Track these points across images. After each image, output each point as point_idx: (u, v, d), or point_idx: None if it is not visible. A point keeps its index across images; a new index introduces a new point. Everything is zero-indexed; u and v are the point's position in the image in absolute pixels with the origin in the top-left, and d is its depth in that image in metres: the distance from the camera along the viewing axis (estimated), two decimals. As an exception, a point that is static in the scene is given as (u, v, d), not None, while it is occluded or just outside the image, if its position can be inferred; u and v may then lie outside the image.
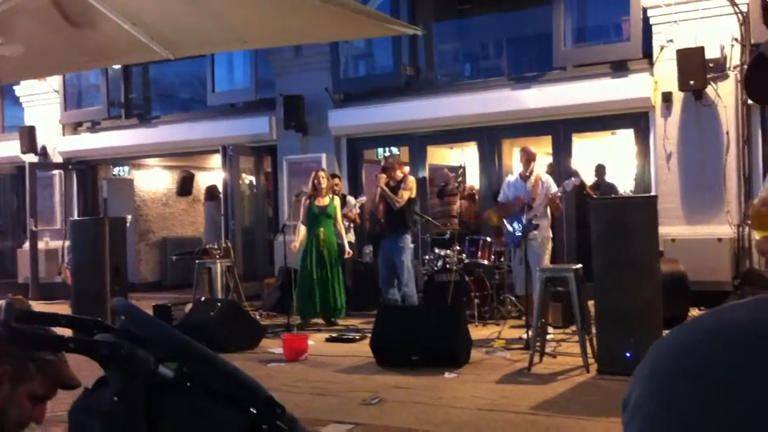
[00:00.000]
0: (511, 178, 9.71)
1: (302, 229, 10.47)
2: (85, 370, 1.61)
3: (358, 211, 11.63)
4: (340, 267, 10.39)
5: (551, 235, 9.41)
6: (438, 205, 12.33)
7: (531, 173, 9.27)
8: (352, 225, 11.52)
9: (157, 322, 1.34)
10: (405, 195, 10.11)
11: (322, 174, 10.54)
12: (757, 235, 0.86)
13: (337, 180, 11.54)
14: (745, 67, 10.23)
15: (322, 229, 10.25)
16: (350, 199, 11.72)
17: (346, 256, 10.59)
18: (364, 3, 10.36)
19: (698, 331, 0.75)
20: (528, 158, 9.34)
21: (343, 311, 10.41)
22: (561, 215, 10.08)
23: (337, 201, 10.55)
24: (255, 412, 1.23)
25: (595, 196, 9.58)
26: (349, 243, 11.05)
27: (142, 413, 1.24)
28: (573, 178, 9.34)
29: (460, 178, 12.03)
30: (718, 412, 0.67)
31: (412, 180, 10.49)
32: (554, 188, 9.15)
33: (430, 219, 11.66)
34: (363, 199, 11.70)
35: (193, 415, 1.25)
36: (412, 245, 10.38)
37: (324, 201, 10.34)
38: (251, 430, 1.22)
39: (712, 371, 0.69)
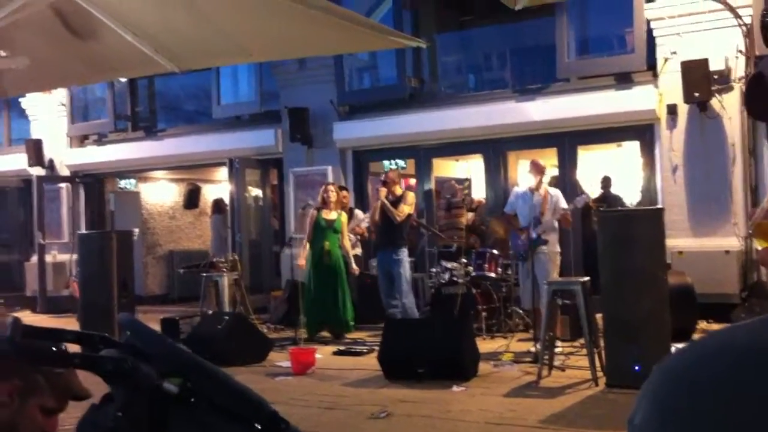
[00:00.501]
0: (519, 189, 9.58)
1: (308, 246, 10.46)
2: (92, 384, 1.61)
3: (366, 225, 11.60)
4: (346, 280, 10.36)
5: (559, 249, 9.34)
6: (444, 217, 12.31)
7: (539, 186, 9.18)
8: (359, 239, 11.50)
9: (161, 337, 1.34)
10: (405, 210, 10.08)
11: (331, 187, 10.54)
12: (758, 246, 0.85)
13: (345, 193, 11.54)
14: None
15: (327, 243, 10.24)
16: (358, 212, 11.70)
17: (352, 272, 10.55)
18: (368, 16, 10.40)
19: (705, 348, 0.75)
20: (537, 171, 9.22)
21: (350, 325, 10.37)
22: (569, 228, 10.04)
23: (344, 216, 10.53)
24: (259, 427, 1.22)
25: (593, 209, 9.52)
26: (356, 256, 11.04)
27: (146, 429, 1.23)
28: (584, 195, 9.31)
29: (466, 191, 12.03)
30: (725, 430, 0.67)
31: (412, 195, 10.48)
32: (563, 203, 9.08)
33: (437, 231, 11.65)
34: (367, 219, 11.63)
35: (197, 430, 1.24)
36: (409, 258, 10.32)
37: (332, 215, 10.33)
38: (256, 446, 1.21)
39: (719, 389, 0.68)
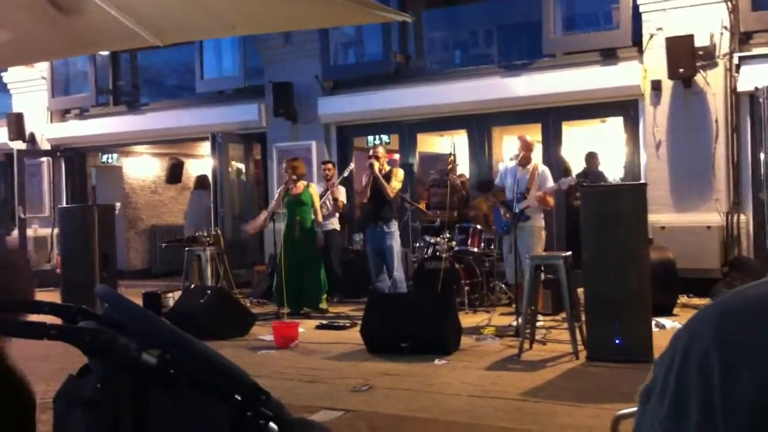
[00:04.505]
0: (509, 164, 9.54)
1: (261, 218, 10.73)
2: (75, 356, 1.61)
3: (344, 199, 11.52)
4: (316, 253, 10.36)
5: (544, 224, 9.35)
6: (439, 195, 12.25)
7: (528, 162, 9.16)
8: (337, 212, 11.40)
9: (140, 309, 1.33)
10: (397, 186, 10.09)
11: (290, 164, 10.55)
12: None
13: (330, 165, 11.56)
14: (735, 55, 10.25)
15: (298, 217, 10.27)
16: (340, 188, 11.62)
17: (318, 242, 10.51)
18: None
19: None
20: (524, 147, 9.18)
21: (319, 298, 10.33)
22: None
23: (313, 188, 10.58)
24: (240, 399, 1.22)
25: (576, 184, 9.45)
26: (334, 230, 11.06)
27: (126, 400, 1.23)
28: (570, 177, 9.28)
29: (450, 166, 11.99)
30: None
31: (401, 172, 10.46)
32: (550, 182, 9.03)
33: (421, 207, 11.65)
34: (351, 166, 11.63)
35: (177, 402, 1.24)
36: (398, 232, 10.32)
37: (299, 188, 10.36)
38: (236, 417, 1.21)
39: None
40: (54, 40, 5.34)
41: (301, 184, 10.44)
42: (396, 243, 10.08)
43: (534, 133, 12.13)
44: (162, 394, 1.23)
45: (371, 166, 10.05)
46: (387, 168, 10.32)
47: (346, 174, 11.51)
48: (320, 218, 10.55)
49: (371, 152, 10.42)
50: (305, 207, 10.36)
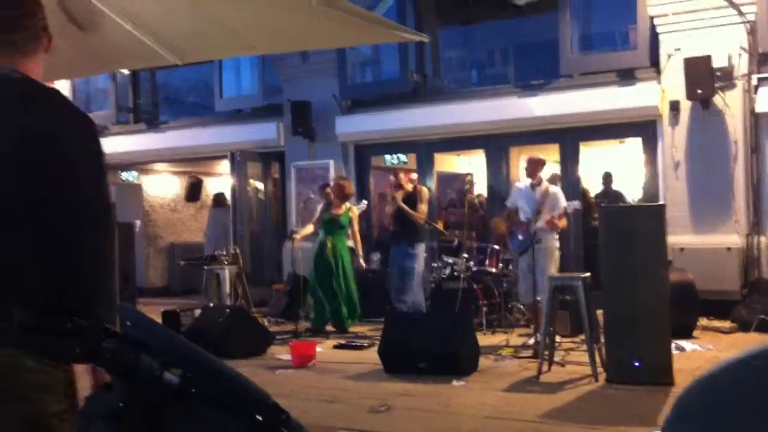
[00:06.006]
0: (520, 184, 9.42)
1: (309, 228, 10.57)
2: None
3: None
4: (347, 275, 10.31)
5: (558, 244, 9.18)
6: (457, 215, 12.23)
7: (540, 182, 9.03)
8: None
9: (163, 328, 1.34)
10: (424, 209, 10.02)
11: (338, 183, 10.55)
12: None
13: (329, 189, 11.51)
14: (753, 76, 10.22)
15: (330, 238, 10.24)
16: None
17: (357, 266, 10.49)
18: (371, 10, 10.37)
19: None
20: (532, 168, 9.08)
21: (348, 321, 10.31)
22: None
23: (353, 211, 10.49)
24: (260, 419, 1.23)
25: (593, 205, 9.33)
26: (349, 249, 11.05)
27: (147, 419, 1.24)
28: (575, 202, 9.16)
29: (467, 186, 11.98)
30: None
31: (426, 191, 10.37)
32: (562, 203, 8.85)
33: (438, 227, 11.63)
34: (364, 204, 11.55)
35: (198, 421, 1.24)
36: (425, 254, 10.26)
37: (339, 210, 10.32)
38: (256, 437, 1.22)
39: None
40: (75, 59, 5.39)
41: (344, 206, 10.40)
42: (418, 265, 9.97)
43: (552, 154, 12.12)
44: (183, 413, 1.24)
45: (394, 199, 9.98)
46: (410, 187, 10.23)
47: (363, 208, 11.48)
48: (358, 241, 10.50)
49: (393, 181, 10.27)
50: (341, 230, 10.31)
